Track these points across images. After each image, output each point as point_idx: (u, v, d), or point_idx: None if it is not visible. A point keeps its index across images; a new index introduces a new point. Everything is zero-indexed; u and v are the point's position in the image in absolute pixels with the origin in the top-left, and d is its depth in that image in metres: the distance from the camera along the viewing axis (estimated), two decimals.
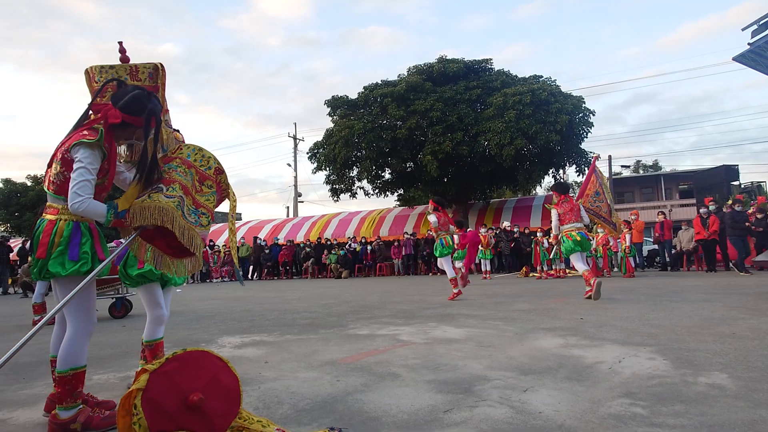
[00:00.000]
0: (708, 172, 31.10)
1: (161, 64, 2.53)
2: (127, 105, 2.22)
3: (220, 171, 2.46)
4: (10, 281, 15.61)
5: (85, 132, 2.14)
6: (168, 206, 2.15)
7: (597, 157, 10.47)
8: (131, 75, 2.47)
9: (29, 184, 29.92)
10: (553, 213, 6.97)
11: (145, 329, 2.77)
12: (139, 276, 2.71)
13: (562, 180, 22.30)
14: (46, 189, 2.21)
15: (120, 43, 2.53)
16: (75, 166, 2.07)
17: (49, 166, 2.20)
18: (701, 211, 12.63)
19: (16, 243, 18.42)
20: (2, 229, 30.53)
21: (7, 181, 30.50)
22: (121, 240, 2.90)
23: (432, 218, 7.60)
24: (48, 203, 2.20)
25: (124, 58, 2.52)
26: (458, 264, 11.04)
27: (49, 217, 2.15)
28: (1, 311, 8.36)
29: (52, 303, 2.68)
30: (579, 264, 6.73)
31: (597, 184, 9.20)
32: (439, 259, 7.87)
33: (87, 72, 2.48)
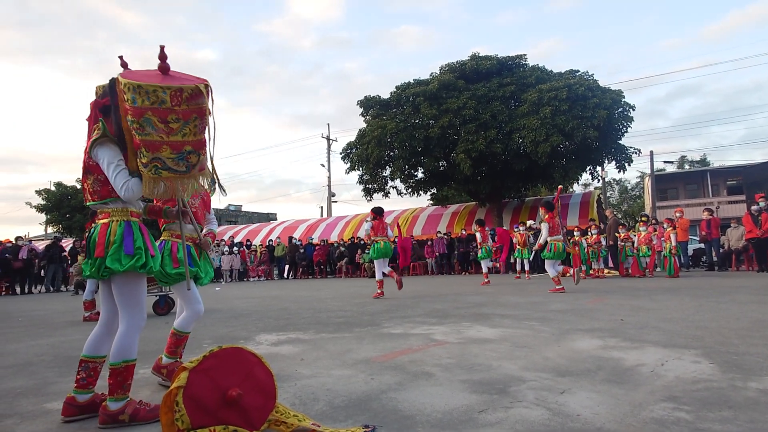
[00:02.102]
0: (759, 166, 29.38)
1: (206, 84, 2.18)
2: (103, 92, 2.31)
3: (177, 95, 2.09)
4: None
5: (93, 134, 2.29)
6: (148, 176, 2.11)
7: (560, 189, 10.49)
8: (174, 99, 2.11)
9: (79, 186, 31.45)
10: (545, 226, 8.46)
11: (179, 320, 2.98)
12: (176, 274, 2.86)
13: (601, 176, 21.68)
14: (89, 203, 2.34)
15: (162, 47, 2.26)
16: (103, 166, 2.22)
17: (84, 180, 2.34)
18: (752, 208, 12.00)
19: (67, 243, 19.40)
20: (55, 230, 32.24)
21: (59, 185, 32.18)
22: (163, 239, 3.00)
23: (367, 226, 8.60)
24: (97, 212, 2.35)
25: (164, 67, 2.23)
26: (487, 264, 11.03)
27: (102, 221, 2.30)
28: (54, 308, 8.84)
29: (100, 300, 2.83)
30: (552, 269, 8.22)
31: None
32: (375, 260, 8.57)
33: (118, 82, 2.20)
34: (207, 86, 2.16)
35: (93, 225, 2.36)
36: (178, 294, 2.98)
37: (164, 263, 2.84)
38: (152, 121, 2.06)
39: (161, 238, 2.99)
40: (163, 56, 2.19)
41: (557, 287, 7.90)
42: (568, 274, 8.59)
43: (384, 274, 8.50)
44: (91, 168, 2.29)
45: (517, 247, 13.43)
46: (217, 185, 2.52)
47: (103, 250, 2.22)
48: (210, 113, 2.19)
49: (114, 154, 2.22)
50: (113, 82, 2.19)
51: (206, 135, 2.26)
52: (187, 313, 2.97)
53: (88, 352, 2.36)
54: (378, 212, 8.62)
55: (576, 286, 8.72)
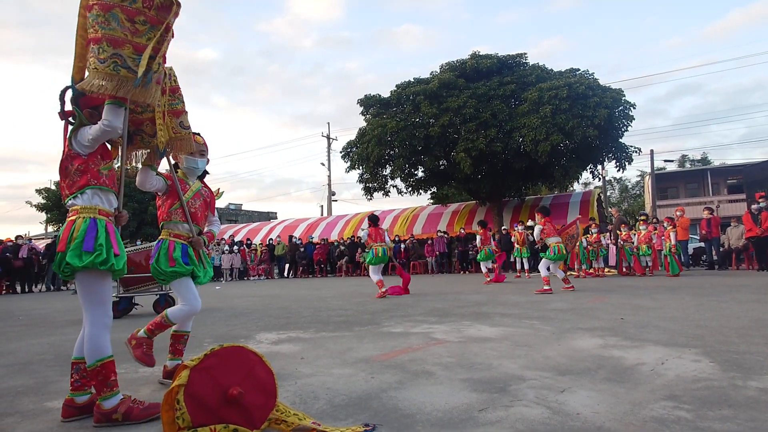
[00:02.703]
0: (759, 165, 29.38)
1: (177, 2, 2.26)
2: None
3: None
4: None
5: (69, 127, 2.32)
6: (105, 71, 2.04)
7: (577, 220, 10.94)
8: (146, 1, 2.15)
9: None
10: (537, 228, 8.50)
11: (174, 311, 2.95)
12: (172, 272, 2.85)
13: (601, 175, 21.66)
14: (66, 200, 2.33)
15: None
16: (88, 135, 2.25)
17: (63, 177, 2.33)
18: (752, 207, 12.01)
19: None
20: (55, 228, 32.22)
21: (57, 183, 32.17)
22: (161, 239, 2.98)
23: (363, 233, 8.92)
24: (69, 208, 2.34)
25: None
26: (487, 265, 11.01)
27: (70, 218, 2.30)
28: (55, 307, 8.85)
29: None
30: (545, 270, 8.22)
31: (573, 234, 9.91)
32: (370, 266, 8.70)
33: None
34: (178, 4, 2.21)
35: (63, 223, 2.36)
36: (176, 290, 2.96)
37: (160, 261, 2.84)
38: (119, 17, 2.06)
39: (159, 237, 2.97)
40: None
41: (545, 288, 7.83)
42: (568, 282, 8.44)
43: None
44: (73, 159, 2.28)
45: (516, 246, 13.45)
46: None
47: (64, 245, 2.19)
48: (172, 33, 2.23)
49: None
50: None
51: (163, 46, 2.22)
52: (183, 306, 2.92)
53: (77, 354, 2.36)
54: (373, 220, 8.85)
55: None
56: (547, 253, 8.34)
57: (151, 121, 2.58)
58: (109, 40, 2.07)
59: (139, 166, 2.76)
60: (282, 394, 2.41)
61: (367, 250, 8.75)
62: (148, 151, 2.73)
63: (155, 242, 2.97)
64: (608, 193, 40.57)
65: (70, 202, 2.30)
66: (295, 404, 2.37)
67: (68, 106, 2.36)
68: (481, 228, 11.46)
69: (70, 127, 2.34)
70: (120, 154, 2.46)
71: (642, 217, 13.01)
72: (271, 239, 21.94)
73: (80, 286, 2.27)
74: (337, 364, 3.19)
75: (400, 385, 2.63)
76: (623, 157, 17.97)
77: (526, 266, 13.40)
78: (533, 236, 8.88)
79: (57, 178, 2.44)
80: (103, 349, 2.24)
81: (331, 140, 33.36)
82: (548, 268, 8.25)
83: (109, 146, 2.47)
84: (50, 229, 31.96)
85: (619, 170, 18.90)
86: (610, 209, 16.59)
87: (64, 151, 2.32)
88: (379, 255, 8.38)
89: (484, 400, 2.33)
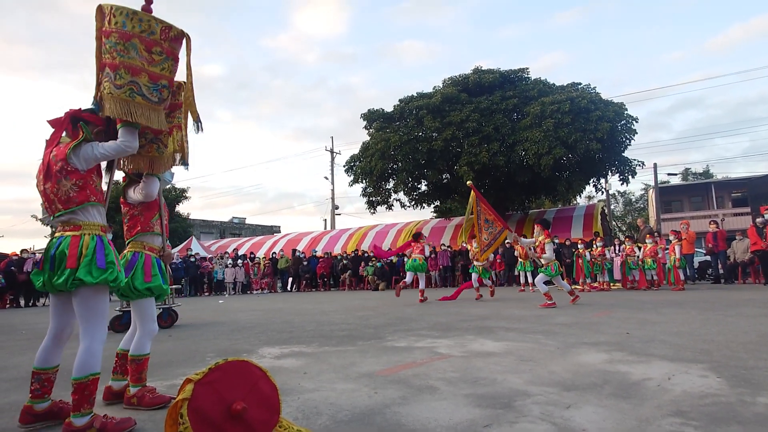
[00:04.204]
0: (763, 179, 29.39)
1: (185, 82, 2.50)
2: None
3: (166, 31, 2.25)
4: None
5: (68, 139, 2.35)
6: (121, 97, 2.15)
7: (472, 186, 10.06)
8: (163, 33, 2.30)
9: None
10: (549, 246, 8.34)
11: (133, 343, 2.77)
12: (146, 289, 2.72)
13: (605, 188, 21.66)
14: (58, 212, 2.29)
15: None
16: (96, 152, 2.29)
17: (54, 188, 2.28)
18: (757, 220, 11.94)
19: None
20: None
21: None
22: (136, 251, 2.86)
23: (409, 251, 10.39)
24: (64, 222, 2.31)
25: (148, 9, 2.38)
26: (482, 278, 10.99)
27: (70, 233, 2.28)
28: None
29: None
30: (543, 285, 8.19)
31: (483, 211, 9.20)
32: (409, 272, 10.27)
33: (101, 8, 2.25)
34: (189, 37, 2.37)
35: (59, 236, 2.30)
36: (134, 311, 2.81)
37: (137, 277, 2.70)
38: (138, 47, 2.18)
39: (129, 248, 2.82)
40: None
41: (548, 302, 7.81)
42: (575, 295, 8.47)
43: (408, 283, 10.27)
44: (69, 174, 2.27)
45: (520, 259, 13.40)
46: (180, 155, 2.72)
47: (75, 261, 2.21)
48: (177, 60, 2.36)
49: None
50: (97, 8, 2.25)
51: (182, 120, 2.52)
52: (141, 333, 2.77)
53: (38, 364, 2.39)
54: (415, 236, 10.51)
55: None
56: (548, 269, 8.33)
57: (168, 132, 2.65)
58: (127, 67, 2.17)
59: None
60: (285, 409, 2.40)
61: (407, 259, 10.52)
62: (153, 160, 2.71)
63: (129, 255, 2.79)
64: (612, 207, 40.49)
65: (66, 216, 2.29)
66: (298, 420, 2.35)
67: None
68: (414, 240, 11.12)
69: (65, 140, 2.37)
70: (110, 171, 2.56)
71: (645, 231, 12.96)
72: (275, 253, 21.93)
73: (84, 301, 2.27)
74: (340, 379, 3.17)
75: (404, 401, 2.61)
76: (626, 170, 17.99)
77: (530, 280, 13.33)
78: (545, 255, 8.55)
79: None
80: (97, 364, 2.28)
81: (334, 154, 33.52)
82: (545, 283, 8.25)
83: (103, 165, 2.52)
84: None
85: (622, 184, 18.95)
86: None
87: (54, 163, 2.29)
88: (419, 264, 9.96)
89: (489, 415, 2.31)
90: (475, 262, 10.28)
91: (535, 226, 8.71)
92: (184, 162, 2.85)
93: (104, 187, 2.51)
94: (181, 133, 2.76)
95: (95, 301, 2.29)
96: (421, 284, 10.10)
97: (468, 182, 10.21)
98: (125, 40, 2.16)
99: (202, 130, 2.65)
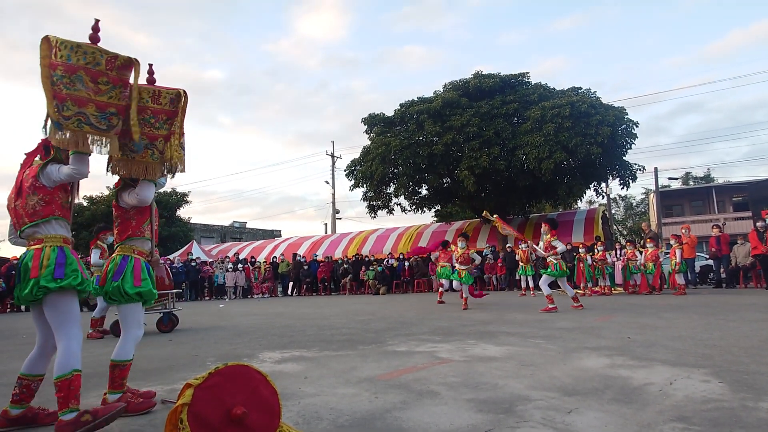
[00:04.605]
0: (764, 183, 29.40)
1: (184, 92, 2.67)
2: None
3: (111, 61, 2.33)
4: None
5: (41, 161, 2.48)
6: (69, 128, 2.24)
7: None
8: (153, 98, 2.60)
9: (85, 204, 31.66)
10: (559, 244, 8.34)
11: (117, 348, 2.73)
12: (135, 294, 2.72)
13: (605, 192, 21.67)
14: (25, 226, 2.42)
15: (150, 65, 2.72)
16: (62, 173, 2.42)
17: (23, 203, 2.42)
18: (758, 224, 11.92)
19: None
20: None
21: None
22: (125, 255, 2.85)
23: (434, 256, 11.13)
24: (28, 236, 2.43)
25: (151, 80, 2.69)
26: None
27: (34, 247, 2.40)
28: None
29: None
30: (547, 288, 8.19)
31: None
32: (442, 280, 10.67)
33: (47, 39, 2.31)
34: (137, 62, 2.44)
35: (23, 252, 2.45)
36: (120, 316, 2.80)
37: (126, 281, 2.70)
38: (84, 79, 2.26)
39: (118, 252, 2.81)
40: (95, 28, 2.41)
41: (550, 306, 7.76)
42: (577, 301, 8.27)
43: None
44: (37, 190, 2.42)
45: (521, 263, 13.39)
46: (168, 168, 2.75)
47: (37, 271, 2.31)
48: (132, 87, 2.45)
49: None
50: (42, 40, 2.31)
51: (173, 127, 2.60)
52: (125, 338, 2.74)
53: (25, 371, 2.48)
54: (444, 245, 10.81)
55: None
56: (549, 269, 8.28)
57: (165, 138, 2.68)
58: (73, 99, 2.27)
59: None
60: (285, 414, 2.39)
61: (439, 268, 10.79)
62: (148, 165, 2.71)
63: (119, 259, 2.78)
64: (613, 211, 40.47)
65: (31, 230, 2.41)
66: (299, 424, 2.35)
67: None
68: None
69: (38, 162, 2.51)
70: (71, 191, 2.61)
71: (650, 236, 12.95)
72: (275, 257, 21.92)
73: (52, 307, 2.37)
74: (340, 384, 3.16)
75: (405, 406, 2.60)
76: (627, 174, 17.99)
77: (531, 284, 13.31)
78: (557, 247, 8.39)
79: None
80: (77, 362, 2.35)
81: (335, 159, 33.56)
82: (549, 285, 8.21)
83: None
84: None
85: (623, 188, 18.92)
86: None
87: (26, 181, 2.44)
88: (443, 271, 10.40)
89: (490, 420, 2.30)
90: (457, 266, 9.52)
91: (543, 225, 8.69)
92: (180, 168, 2.85)
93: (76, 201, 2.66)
94: (177, 140, 2.76)
95: (63, 304, 2.38)
96: (464, 291, 9.25)
97: (494, 216, 10.34)
98: (71, 73, 2.23)
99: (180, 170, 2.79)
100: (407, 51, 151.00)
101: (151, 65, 2.75)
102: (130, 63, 2.41)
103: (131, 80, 2.45)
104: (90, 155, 2.41)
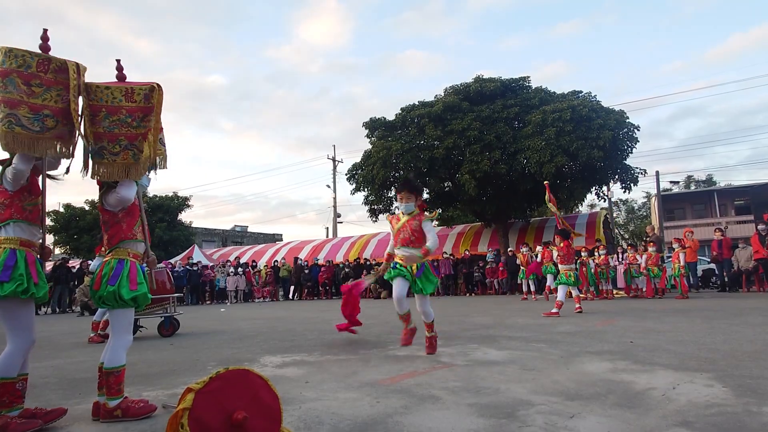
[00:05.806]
0: (766, 186, 29.36)
1: (158, 85, 2.62)
2: None
3: (44, 63, 2.38)
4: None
5: None
6: (2, 129, 2.28)
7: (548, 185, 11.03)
8: (126, 96, 2.57)
9: (87, 208, 31.73)
10: (555, 252, 8.82)
11: (107, 355, 2.65)
12: (131, 299, 2.65)
13: (607, 196, 21.65)
14: None
15: (118, 60, 2.72)
16: (8, 183, 2.51)
17: None
18: (759, 228, 11.91)
19: (74, 264, 19.48)
20: (62, 250, 32.41)
21: (67, 206, 32.49)
22: (121, 259, 2.76)
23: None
24: None
25: (121, 76, 2.68)
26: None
27: None
28: (60, 329, 8.83)
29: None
30: (562, 294, 8.21)
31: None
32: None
33: (76, 69, 2.47)
34: (74, 64, 2.47)
35: None
36: (111, 320, 2.73)
37: (122, 285, 2.63)
38: (16, 82, 2.33)
39: (112, 256, 2.74)
40: (44, 38, 2.49)
41: (553, 311, 7.75)
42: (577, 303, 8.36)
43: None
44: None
45: (522, 267, 13.37)
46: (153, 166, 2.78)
47: None
48: (76, 89, 2.47)
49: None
50: None
51: (148, 128, 2.57)
52: (116, 344, 2.67)
53: (2, 374, 2.47)
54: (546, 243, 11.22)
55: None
56: (562, 277, 8.24)
57: (143, 136, 2.63)
58: (5, 102, 2.33)
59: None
60: (286, 419, 2.38)
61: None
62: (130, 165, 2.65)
63: (114, 263, 2.71)
64: (614, 215, 40.41)
65: None
66: (299, 429, 2.34)
67: None
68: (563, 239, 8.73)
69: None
70: (42, 190, 2.63)
71: (651, 241, 12.92)
72: (276, 261, 21.91)
73: (2, 312, 2.41)
74: (341, 388, 3.15)
75: (406, 410, 2.59)
76: (628, 178, 17.97)
77: (532, 288, 13.29)
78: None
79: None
80: (13, 369, 2.40)
81: (336, 162, 33.62)
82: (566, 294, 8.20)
83: (39, 181, 2.62)
84: (58, 251, 32.12)
85: (624, 192, 18.91)
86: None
87: None
88: (545, 270, 10.71)
89: (492, 425, 2.28)
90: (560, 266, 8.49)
91: (555, 237, 8.84)
92: (162, 165, 2.86)
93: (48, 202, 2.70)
94: (155, 136, 2.70)
95: (12, 312, 2.43)
96: (559, 295, 8.19)
97: (545, 182, 10.78)
98: (3, 77, 2.31)
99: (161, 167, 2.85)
100: (408, 56, 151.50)
101: (118, 60, 2.70)
102: (66, 67, 2.44)
103: (76, 82, 2.47)
104: (31, 155, 2.44)
